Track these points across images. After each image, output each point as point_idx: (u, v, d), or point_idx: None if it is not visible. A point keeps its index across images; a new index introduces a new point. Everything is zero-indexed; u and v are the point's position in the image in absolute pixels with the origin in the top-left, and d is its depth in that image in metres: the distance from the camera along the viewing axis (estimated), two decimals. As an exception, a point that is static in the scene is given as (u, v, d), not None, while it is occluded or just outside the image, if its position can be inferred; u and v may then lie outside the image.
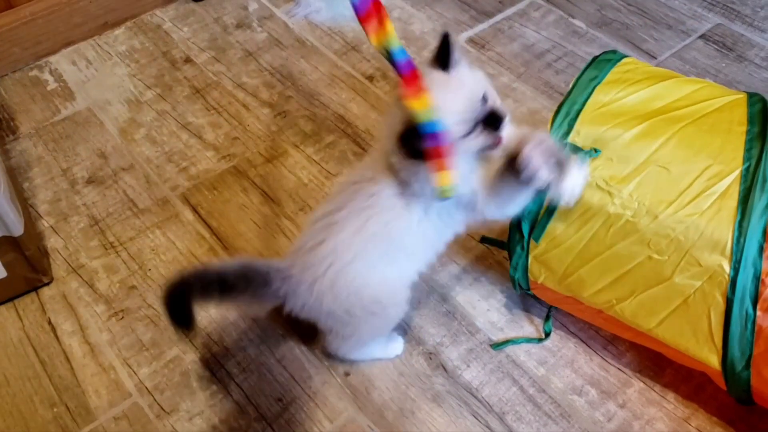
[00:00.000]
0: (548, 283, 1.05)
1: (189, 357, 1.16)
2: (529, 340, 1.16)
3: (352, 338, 1.07)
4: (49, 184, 1.43)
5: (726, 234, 0.88)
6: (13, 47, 1.65)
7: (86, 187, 1.42)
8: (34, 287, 1.26)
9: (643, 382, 1.10)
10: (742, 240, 0.88)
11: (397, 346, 1.14)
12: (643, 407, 1.08)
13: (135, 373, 1.15)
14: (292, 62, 1.66)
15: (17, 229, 1.18)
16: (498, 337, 1.16)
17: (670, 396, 1.09)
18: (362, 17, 0.83)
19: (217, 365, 1.15)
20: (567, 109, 1.01)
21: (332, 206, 0.98)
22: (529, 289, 1.11)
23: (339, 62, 1.66)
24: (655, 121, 0.98)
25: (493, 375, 1.12)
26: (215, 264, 1.01)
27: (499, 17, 1.76)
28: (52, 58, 1.70)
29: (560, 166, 0.90)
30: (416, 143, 0.84)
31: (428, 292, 1.22)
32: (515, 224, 1.03)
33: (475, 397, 1.10)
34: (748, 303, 0.88)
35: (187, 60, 1.68)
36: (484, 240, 1.28)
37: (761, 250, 0.88)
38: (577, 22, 1.72)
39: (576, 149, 0.97)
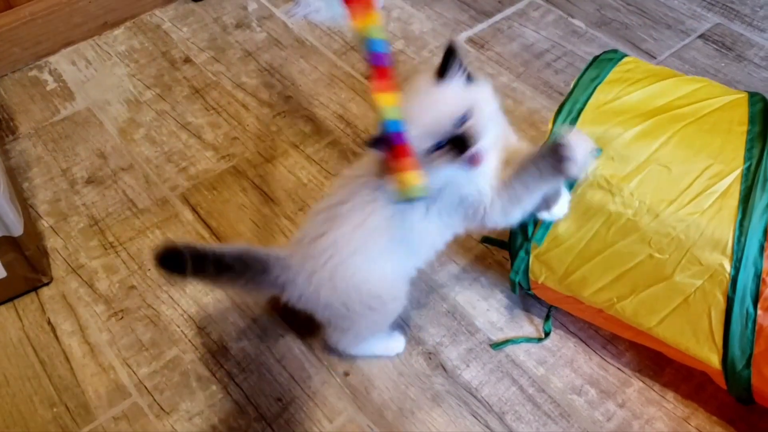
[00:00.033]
0: (549, 283, 1.05)
1: (188, 357, 1.16)
2: (528, 340, 1.16)
3: (350, 332, 1.07)
4: (49, 184, 1.43)
5: (727, 233, 0.89)
6: (13, 47, 1.65)
7: (86, 187, 1.42)
8: (34, 287, 1.26)
9: (643, 382, 1.10)
10: (742, 239, 0.88)
11: (398, 344, 1.15)
12: (642, 407, 1.08)
13: (135, 373, 1.15)
14: (292, 62, 1.66)
15: (17, 229, 1.18)
16: (497, 336, 1.16)
17: (670, 395, 1.09)
18: (374, 74, 0.81)
19: (216, 365, 1.15)
20: (569, 109, 1.02)
21: (336, 199, 0.98)
22: (529, 290, 1.11)
23: (338, 62, 1.66)
24: (656, 120, 0.98)
25: (492, 375, 1.12)
26: (214, 245, 1.01)
27: (498, 17, 1.76)
28: (52, 58, 1.70)
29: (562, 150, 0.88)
30: (382, 142, 0.84)
31: (428, 291, 1.22)
32: (518, 226, 1.03)
33: (475, 396, 1.10)
34: (748, 302, 0.88)
35: (187, 60, 1.68)
36: (484, 240, 1.28)
37: (762, 249, 0.88)
38: (576, 22, 1.72)
39: None
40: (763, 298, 0.88)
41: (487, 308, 1.20)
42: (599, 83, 1.04)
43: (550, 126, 1.02)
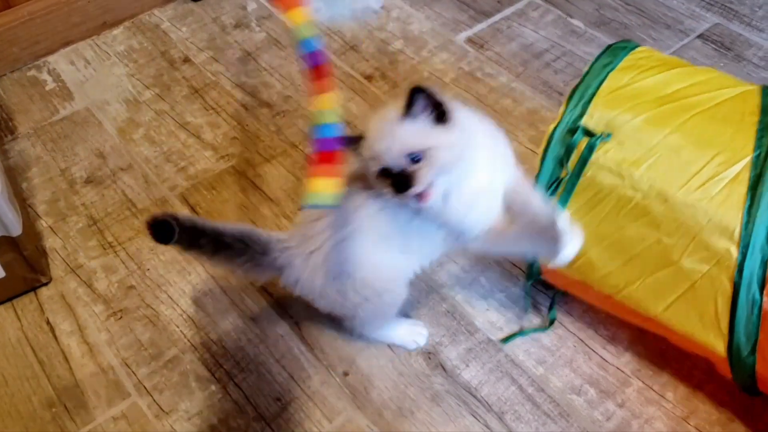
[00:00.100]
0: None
1: (188, 357, 1.16)
2: (535, 330, 1.16)
3: (355, 320, 1.09)
4: (48, 184, 1.43)
5: (735, 219, 0.89)
6: (12, 47, 1.65)
7: (85, 187, 1.42)
8: (33, 287, 1.26)
9: (642, 382, 1.10)
10: (750, 225, 0.88)
11: (419, 338, 1.15)
12: (641, 406, 1.08)
13: (134, 373, 1.14)
14: (291, 62, 1.66)
15: (16, 229, 1.18)
16: (497, 336, 1.16)
17: (669, 395, 1.09)
18: (310, 75, 0.80)
19: (215, 365, 1.15)
20: (581, 93, 1.03)
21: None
22: (540, 274, 1.12)
23: (338, 62, 1.66)
24: (668, 107, 0.99)
25: (492, 374, 1.12)
26: (216, 222, 1.01)
27: (497, 17, 1.76)
28: (51, 58, 1.70)
29: (558, 237, 0.94)
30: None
31: (427, 291, 1.22)
32: None
33: (474, 396, 1.10)
34: (755, 288, 0.88)
35: (186, 60, 1.68)
36: None
37: None
38: (575, 22, 1.72)
39: (588, 133, 0.98)
40: None
41: (486, 308, 1.20)
42: (612, 70, 1.05)
43: (561, 110, 1.02)
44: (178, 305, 1.23)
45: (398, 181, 0.87)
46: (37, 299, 1.25)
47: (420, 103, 0.88)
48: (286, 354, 1.16)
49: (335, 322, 1.16)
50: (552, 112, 1.50)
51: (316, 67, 0.81)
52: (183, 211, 1.36)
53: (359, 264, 0.99)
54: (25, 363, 1.17)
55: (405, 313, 1.17)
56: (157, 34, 1.75)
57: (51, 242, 1.33)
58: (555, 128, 1.02)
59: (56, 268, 1.29)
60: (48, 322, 1.22)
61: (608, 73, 1.04)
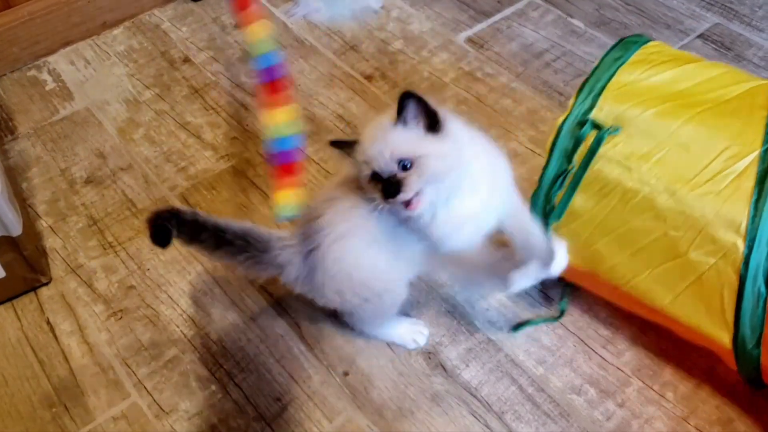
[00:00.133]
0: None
1: (188, 357, 1.16)
2: (546, 320, 1.17)
3: (354, 318, 1.10)
4: (48, 184, 1.43)
5: (742, 213, 0.90)
6: (12, 47, 1.65)
7: (85, 187, 1.42)
8: (33, 287, 1.26)
9: (642, 381, 1.10)
10: (757, 219, 0.89)
11: (419, 337, 1.15)
12: (641, 406, 1.08)
13: (134, 373, 1.14)
14: (291, 62, 1.66)
15: (16, 229, 1.18)
16: (497, 336, 1.16)
17: (669, 395, 1.09)
18: (264, 89, 0.81)
19: (215, 365, 1.15)
20: (591, 86, 1.03)
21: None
22: None
23: (338, 62, 1.66)
24: (677, 102, 1.00)
25: (492, 374, 1.12)
26: (219, 218, 1.03)
27: (497, 17, 1.76)
28: (51, 58, 1.70)
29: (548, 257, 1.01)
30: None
31: (427, 291, 1.22)
32: (537, 202, 1.05)
33: (474, 396, 1.10)
34: (760, 281, 0.89)
35: (186, 60, 1.68)
36: None
37: None
38: (575, 22, 1.72)
39: (597, 126, 0.99)
40: None
41: (486, 308, 1.20)
42: (623, 64, 1.05)
43: (571, 102, 1.03)
44: (178, 305, 1.23)
45: (387, 186, 0.87)
46: (37, 299, 1.25)
47: (411, 109, 0.88)
48: (286, 354, 1.16)
49: (335, 322, 1.16)
50: (552, 112, 1.50)
51: (272, 82, 0.82)
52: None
53: (357, 265, 0.99)
54: (25, 363, 1.17)
55: (405, 312, 1.17)
56: (157, 34, 1.75)
57: (51, 242, 1.33)
58: (564, 120, 1.02)
59: (56, 268, 1.29)
60: (48, 322, 1.22)
61: (619, 67, 1.04)
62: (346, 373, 1.13)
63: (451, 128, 0.90)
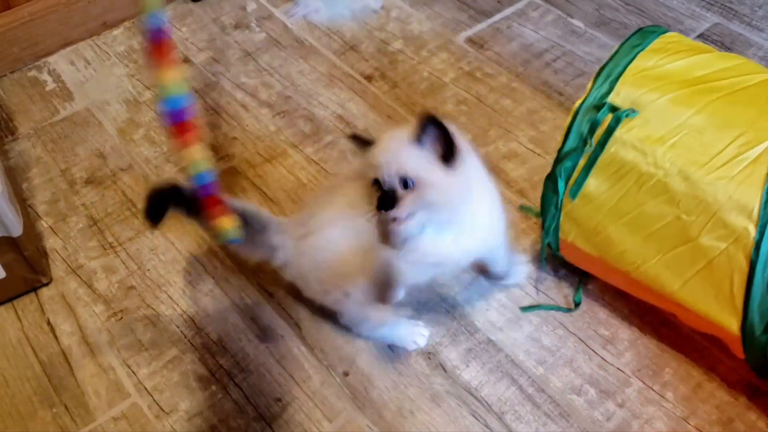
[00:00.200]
0: (578, 242, 1.07)
1: (188, 357, 1.16)
2: (559, 308, 1.18)
3: (345, 316, 1.11)
4: (48, 185, 1.43)
5: (754, 198, 0.90)
6: (12, 47, 1.65)
7: (85, 188, 1.42)
8: (33, 288, 1.26)
9: (642, 382, 1.10)
10: None
11: (419, 338, 1.15)
12: (642, 406, 1.08)
13: (134, 374, 1.15)
14: (291, 62, 1.66)
15: (16, 229, 1.18)
16: (497, 336, 1.16)
17: (669, 395, 1.09)
18: (154, 47, 0.84)
19: (216, 365, 1.15)
20: (609, 71, 1.04)
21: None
22: (558, 250, 1.13)
23: (338, 62, 1.66)
24: (694, 89, 1.00)
25: (492, 374, 1.12)
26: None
27: (497, 17, 1.75)
28: (51, 59, 1.70)
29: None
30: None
31: (427, 291, 1.22)
32: (550, 183, 1.06)
33: (474, 396, 1.10)
34: None
35: (186, 60, 1.68)
36: (522, 207, 1.32)
37: None
38: (575, 22, 1.72)
39: (614, 110, 1.00)
40: None
41: (486, 308, 1.20)
42: (641, 51, 1.06)
43: (588, 87, 1.04)
44: (178, 305, 1.23)
45: (383, 198, 0.88)
46: (38, 300, 1.25)
47: (429, 134, 0.87)
48: (287, 354, 1.16)
49: (335, 322, 1.16)
50: (552, 112, 1.50)
51: (182, 123, 0.87)
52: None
53: (337, 254, 1.00)
54: (26, 363, 1.17)
55: (405, 313, 1.17)
56: (157, 35, 1.75)
57: (51, 243, 1.33)
58: (581, 103, 1.03)
59: (57, 269, 1.29)
60: (48, 323, 1.22)
61: (637, 53, 1.05)
62: (346, 374, 1.13)
63: (464, 166, 0.90)
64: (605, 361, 1.13)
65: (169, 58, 0.84)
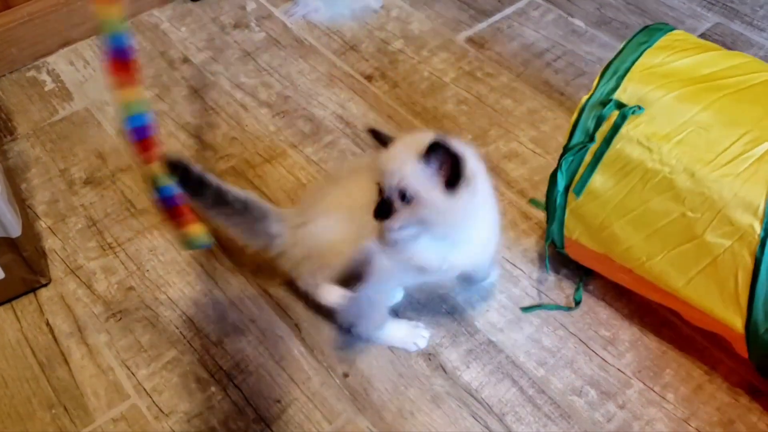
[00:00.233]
0: (582, 239, 1.07)
1: (187, 358, 1.16)
2: (559, 307, 1.17)
3: (345, 316, 1.11)
4: (47, 185, 1.43)
5: (759, 196, 0.90)
6: (11, 48, 1.64)
7: (84, 188, 1.42)
8: (32, 288, 1.25)
9: (643, 383, 1.10)
10: None
11: (420, 340, 1.14)
12: (642, 408, 1.07)
13: (133, 375, 1.14)
14: (291, 62, 1.66)
15: (15, 230, 1.17)
16: (498, 337, 1.16)
17: (670, 396, 1.08)
18: (113, 67, 0.87)
19: (215, 366, 1.15)
20: (615, 68, 1.04)
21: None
22: (563, 248, 1.13)
23: (337, 62, 1.65)
24: (700, 86, 1.00)
25: (492, 376, 1.12)
26: (222, 182, 1.08)
27: (498, 16, 1.75)
28: (50, 59, 1.70)
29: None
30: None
31: (427, 292, 1.22)
32: (555, 179, 1.05)
33: (475, 398, 1.09)
34: None
35: (185, 60, 1.68)
36: (531, 201, 1.32)
37: None
38: (576, 22, 1.72)
39: (620, 105, 1.00)
40: None
41: (486, 309, 1.20)
42: (648, 48, 1.06)
43: (594, 83, 1.04)
44: (177, 306, 1.22)
45: (380, 206, 0.88)
46: (37, 300, 1.25)
47: (436, 158, 0.85)
48: (286, 355, 1.15)
49: (335, 323, 1.16)
50: (553, 111, 1.49)
51: (144, 140, 0.91)
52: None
53: (330, 243, 1.00)
54: (25, 364, 1.16)
55: (405, 314, 1.16)
56: (156, 34, 1.75)
57: (50, 243, 1.32)
58: (588, 99, 1.03)
59: (56, 269, 1.29)
60: (47, 324, 1.21)
61: (644, 50, 1.05)
62: (346, 375, 1.13)
63: (470, 191, 0.88)
64: (606, 362, 1.13)
65: (128, 77, 0.86)
